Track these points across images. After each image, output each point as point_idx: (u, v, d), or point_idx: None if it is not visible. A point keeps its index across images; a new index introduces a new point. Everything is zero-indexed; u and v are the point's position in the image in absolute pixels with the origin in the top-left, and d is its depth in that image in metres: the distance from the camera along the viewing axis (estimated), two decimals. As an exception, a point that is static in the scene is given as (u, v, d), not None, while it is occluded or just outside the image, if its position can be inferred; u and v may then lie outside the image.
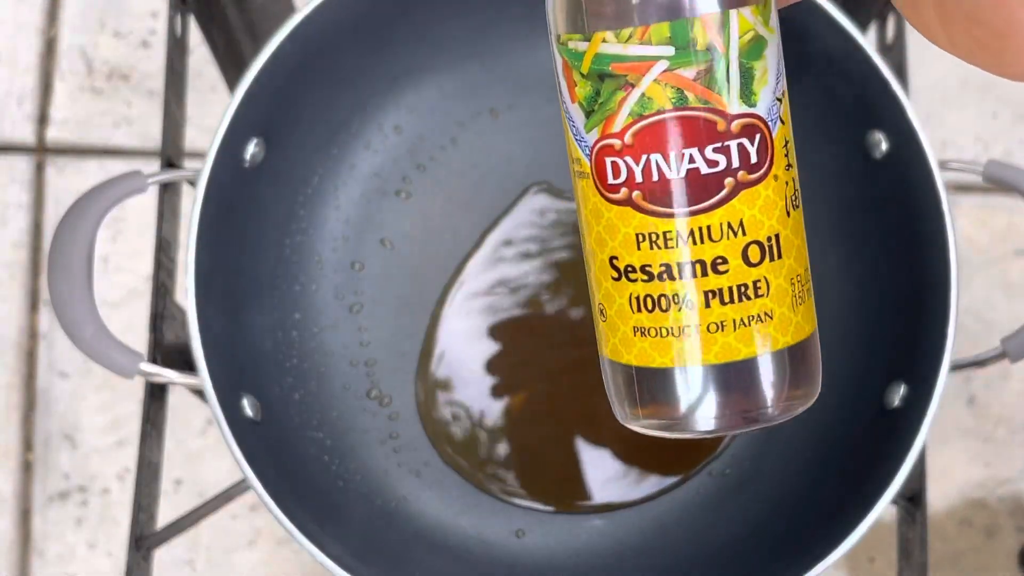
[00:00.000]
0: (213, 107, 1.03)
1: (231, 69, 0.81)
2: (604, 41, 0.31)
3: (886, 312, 0.66)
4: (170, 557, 1.00)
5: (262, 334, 0.69)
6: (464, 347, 0.71)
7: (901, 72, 0.70)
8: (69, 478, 1.06)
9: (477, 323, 0.71)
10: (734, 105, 0.31)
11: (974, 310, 1.04)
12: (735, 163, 0.32)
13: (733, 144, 0.31)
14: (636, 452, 0.70)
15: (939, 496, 1.02)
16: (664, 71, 0.31)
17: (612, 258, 0.33)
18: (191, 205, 0.62)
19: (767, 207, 0.32)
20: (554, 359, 0.70)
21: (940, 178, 0.61)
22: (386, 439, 0.70)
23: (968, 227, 1.07)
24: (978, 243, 1.07)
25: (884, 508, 0.59)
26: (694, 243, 0.32)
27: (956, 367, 0.62)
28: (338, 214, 0.71)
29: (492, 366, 0.70)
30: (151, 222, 0.69)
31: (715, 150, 0.31)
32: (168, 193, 0.68)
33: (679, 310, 0.32)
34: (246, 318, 0.68)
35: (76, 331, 0.62)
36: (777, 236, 0.32)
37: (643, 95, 0.31)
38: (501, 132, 0.72)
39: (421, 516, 0.69)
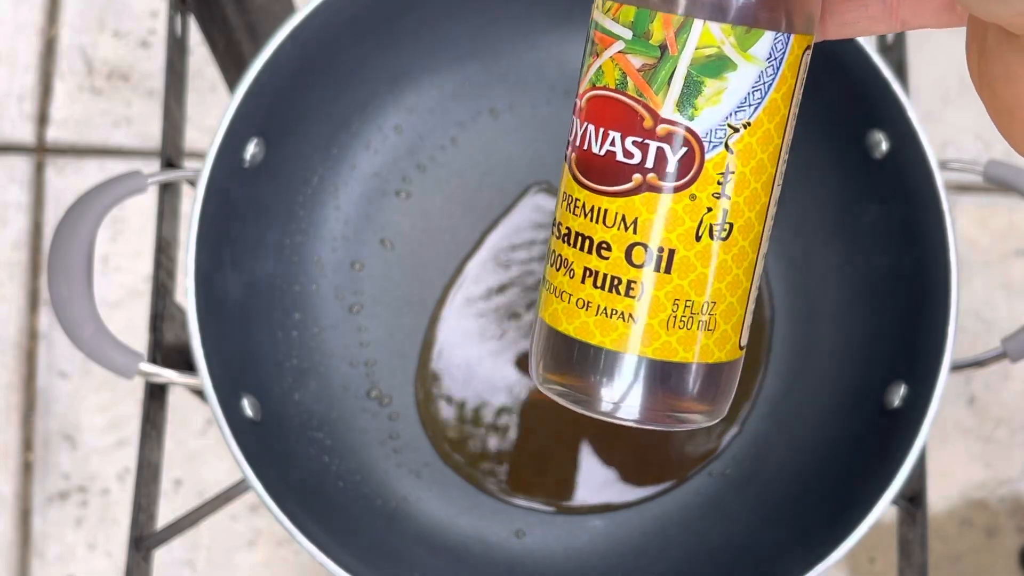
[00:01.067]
0: (213, 107, 1.03)
1: (231, 69, 0.81)
2: (596, 7, 0.32)
3: (886, 312, 0.66)
4: (170, 557, 1.00)
5: (262, 334, 0.68)
6: (464, 347, 0.71)
7: (901, 72, 0.70)
8: (69, 478, 1.06)
9: (477, 323, 0.71)
10: (667, 109, 0.31)
11: (974, 310, 1.04)
12: (649, 163, 0.32)
13: (652, 144, 0.32)
14: (636, 453, 0.70)
15: (939, 496, 1.02)
16: (618, 52, 0.32)
17: (556, 208, 0.35)
18: (191, 205, 0.62)
19: (670, 220, 0.32)
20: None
21: (940, 178, 0.61)
22: (386, 439, 0.70)
23: (968, 227, 1.07)
24: (978, 243, 1.07)
25: (884, 508, 0.59)
26: (590, 220, 0.33)
27: (956, 367, 0.62)
28: (338, 214, 0.71)
29: (492, 366, 0.70)
30: (151, 222, 0.69)
31: (634, 143, 0.32)
32: (168, 193, 0.68)
33: (563, 274, 0.33)
34: (246, 318, 0.67)
35: (76, 331, 0.62)
36: (671, 252, 0.32)
37: (600, 67, 0.32)
38: (501, 132, 0.72)
39: (421, 516, 0.69)
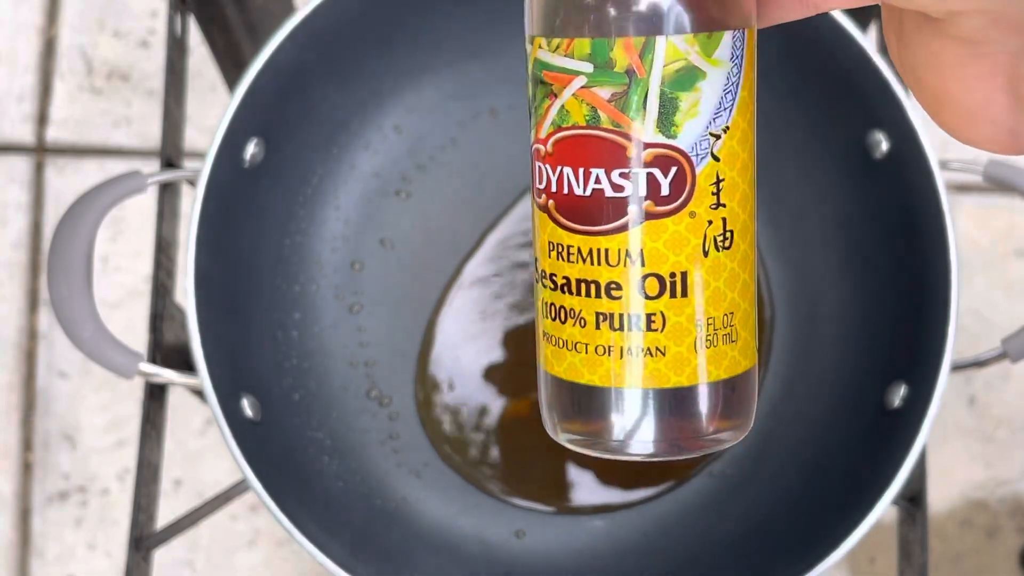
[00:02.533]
0: (213, 107, 1.03)
1: (231, 69, 0.81)
2: (540, 47, 0.31)
3: (886, 312, 0.66)
4: (170, 557, 1.00)
5: (262, 334, 0.68)
6: (464, 347, 0.70)
7: (901, 72, 0.70)
8: (69, 478, 1.06)
9: (477, 323, 0.71)
10: (648, 134, 0.30)
11: (974, 310, 1.04)
12: (641, 192, 0.30)
13: (641, 173, 0.30)
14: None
15: (939, 497, 1.02)
16: (581, 87, 0.30)
17: (535, 259, 0.33)
18: (191, 205, 0.62)
19: (675, 242, 0.31)
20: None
21: (940, 178, 0.61)
22: (386, 439, 0.70)
23: (968, 227, 1.07)
24: (978, 243, 1.07)
25: (884, 509, 0.59)
26: (591, 264, 0.31)
27: (956, 367, 0.62)
28: (338, 214, 0.71)
29: (492, 366, 0.70)
30: (151, 222, 0.69)
31: (621, 175, 0.30)
32: (168, 193, 0.68)
33: (572, 325, 0.32)
34: (246, 318, 0.67)
35: (75, 331, 0.62)
36: (684, 274, 0.31)
37: (563, 107, 0.31)
38: (501, 132, 0.72)
39: (421, 516, 0.69)
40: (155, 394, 0.66)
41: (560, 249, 0.32)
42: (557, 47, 0.30)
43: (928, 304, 0.63)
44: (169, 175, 0.66)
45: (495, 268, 0.71)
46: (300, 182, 0.70)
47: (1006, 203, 1.07)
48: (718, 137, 0.31)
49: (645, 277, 0.31)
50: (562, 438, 0.34)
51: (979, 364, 0.64)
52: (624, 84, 0.30)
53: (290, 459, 0.66)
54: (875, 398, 0.64)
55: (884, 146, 0.64)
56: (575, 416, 0.33)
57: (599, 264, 0.31)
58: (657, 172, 0.30)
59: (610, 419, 0.32)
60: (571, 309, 0.32)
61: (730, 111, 0.31)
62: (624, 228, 0.31)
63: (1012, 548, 1.02)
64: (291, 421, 0.68)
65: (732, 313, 0.32)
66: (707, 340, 0.32)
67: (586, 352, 0.32)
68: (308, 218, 0.71)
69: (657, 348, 0.31)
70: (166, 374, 0.63)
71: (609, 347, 0.32)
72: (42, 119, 1.12)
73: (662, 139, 0.30)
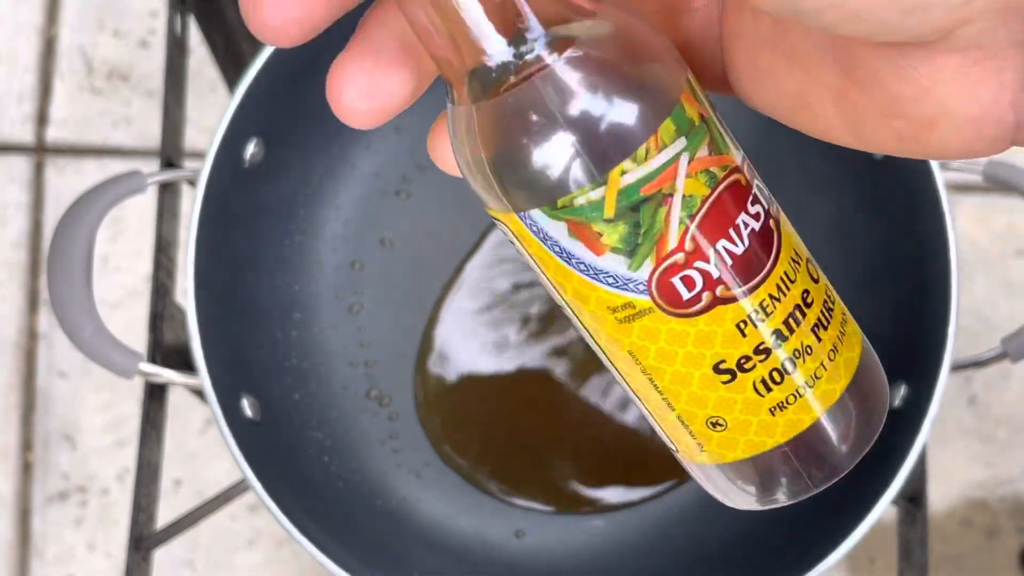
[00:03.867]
0: (213, 107, 1.03)
1: (231, 69, 0.81)
2: (624, 172, 0.29)
3: (886, 312, 0.66)
4: (169, 558, 1.00)
5: (262, 334, 0.68)
6: (463, 347, 0.70)
7: (901, 72, 0.70)
8: (68, 478, 1.06)
9: (477, 323, 0.71)
10: (736, 157, 0.30)
11: (974, 310, 1.04)
12: (766, 205, 0.31)
13: (755, 190, 0.31)
14: (636, 453, 0.70)
15: (940, 497, 1.02)
16: (688, 163, 0.29)
17: (718, 364, 0.31)
18: (191, 205, 0.62)
19: (792, 229, 0.32)
20: (554, 360, 0.70)
21: (940, 178, 0.61)
22: (386, 439, 0.70)
23: (968, 227, 1.07)
24: (978, 243, 1.07)
25: (885, 508, 0.59)
26: (784, 295, 0.31)
27: (957, 367, 0.62)
28: (338, 214, 0.71)
29: (492, 366, 0.70)
30: (151, 222, 0.69)
31: (752, 202, 0.30)
32: (167, 193, 0.68)
33: (800, 364, 0.32)
34: (246, 318, 0.67)
35: (75, 331, 0.62)
36: (806, 291, 0.32)
37: (684, 197, 0.30)
38: (501, 132, 0.72)
39: (421, 516, 0.69)
40: (155, 394, 0.66)
41: (753, 317, 0.31)
42: (647, 153, 0.29)
43: (928, 304, 0.63)
44: (169, 175, 0.66)
45: (495, 268, 0.71)
46: (300, 182, 0.70)
47: (1006, 203, 1.07)
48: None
49: (808, 265, 0.32)
50: (776, 503, 0.34)
51: (979, 364, 0.64)
52: (706, 132, 0.30)
53: (290, 459, 0.66)
54: (875, 398, 0.64)
55: (884, 146, 0.64)
56: (779, 477, 0.34)
57: (789, 290, 0.31)
58: (758, 182, 0.31)
59: (813, 456, 0.33)
60: (794, 352, 0.32)
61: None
62: (780, 242, 0.31)
63: (1012, 548, 1.02)
64: (291, 421, 0.68)
65: (828, 297, 0.33)
66: (841, 329, 0.33)
67: (809, 388, 0.32)
68: (308, 218, 0.71)
69: (822, 367, 0.32)
70: (166, 374, 0.63)
71: (785, 402, 0.32)
72: (42, 119, 1.12)
73: (741, 154, 0.31)
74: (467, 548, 0.69)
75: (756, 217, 0.31)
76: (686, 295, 0.30)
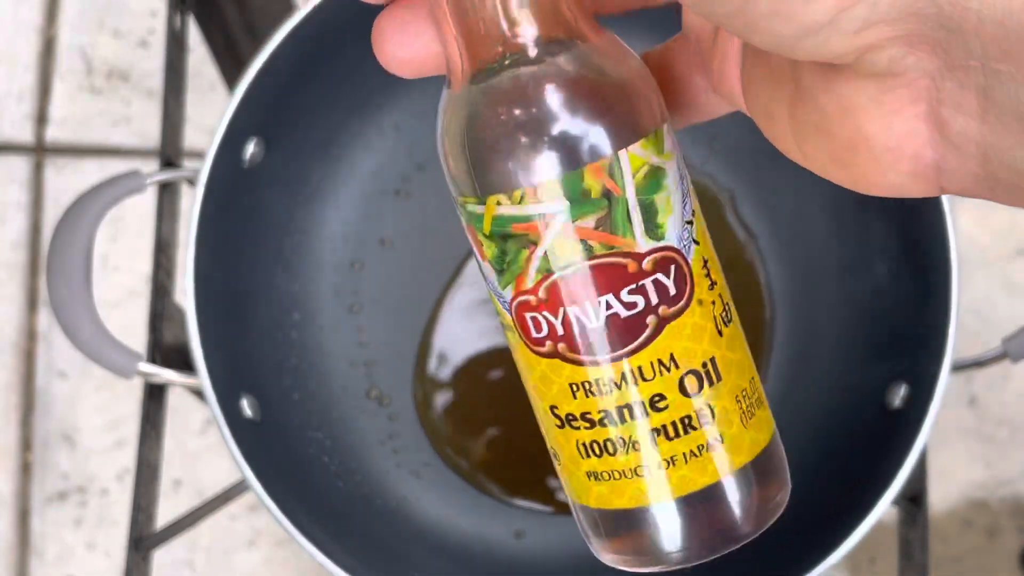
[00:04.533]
0: (213, 107, 1.03)
1: (231, 69, 0.81)
2: (499, 204, 0.30)
3: (886, 312, 0.66)
4: (169, 558, 1.00)
5: (262, 334, 0.68)
6: (463, 347, 0.70)
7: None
8: (68, 478, 1.06)
9: (476, 323, 0.71)
10: (641, 244, 0.30)
11: (975, 310, 1.04)
12: (654, 300, 0.30)
13: (648, 282, 0.30)
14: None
15: (940, 497, 1.02)
16: (563, 224, 0.30)
17: (552, 407, 0.32)
18: (190, 205, 0.62)
19: (696, 334, 0.31)
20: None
21: (941, 178, 0.61)
22: (386, 439, 0.70)
23: (968, 227, 1.07)
24: (979, 243, 1.07)
25: (885, 509, 0.59)
26: (628, 385, 0.31)
27: (957, 367, 0.62)
28: (338, 214, 0.71)
29: (492, 366, 0.70)
30: (150, 222, 0.69)
31: (630, 292, 0.30)
32: (167, 193, 0.68)
33: (627, 452, 0.31)
34: (246, 318, 0.67)
35: (75, 331, 0.62)
36: (713, 359, 0.31)
37: (547, 251, 0.30)
38: (501, 132, 0.72)
39: (421, 516, 0.69)
40: (155, 394, 0.66)
41: (588, 387, 0.31)
42: (522, 198, 0.30)
43: (928, 304, 0.62)
44: (169, 175, 0.66)
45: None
46: (300, 182, 0.70)
47: (1006, 203, 1.07)
48: (691, 223, 0.31)
49: (683, 377, 0.31)
50: (615, 560, 0.34)
51: (979, 364, 0.63)
52: (605, 207, 0.30)
53: (290, 459, 0.66)
54: (875, 398, 0.64)
55: (884, 146, 0.64)
56: (656, 536, 0.33)
57: (636, 383, 0.31)
58: (661, 276, 0.30)
59: (699, 525, 0.33)
60: (621, 438, 0.31)
61: (689, 194, 0.31)
62: (650, 340, 0.31)
63: (1012, 548, 1.02)
64: (291, 421, 0.68)
65: (753, 377, 0.33)
66: (748, 411, 0.32)
67: (650, 473, 0.32)
68: (308, 218, 0.71)
69: (716, 438, 0.32)
70: (166, 374, 0.63)
71: (672, 457, 0.31)
72: (41, 119, 1.12)
73: (654, 244, 0.30)
74: (467, 548, 0.68)
75: (629, 306, 0.30)
76: (533, 334, 0.31)
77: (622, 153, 0.30)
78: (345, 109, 0.71)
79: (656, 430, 0.31)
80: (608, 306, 0.30)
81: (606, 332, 0.30)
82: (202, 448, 1.05)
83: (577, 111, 0.29)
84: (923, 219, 0.63)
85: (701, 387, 0.31)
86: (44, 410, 1.07)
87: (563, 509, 0.69)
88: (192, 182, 0.63)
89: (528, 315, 0.31)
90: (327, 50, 0.66)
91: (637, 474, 0.32)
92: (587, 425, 0.32)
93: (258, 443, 0.62)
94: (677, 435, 0.31)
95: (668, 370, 0.31)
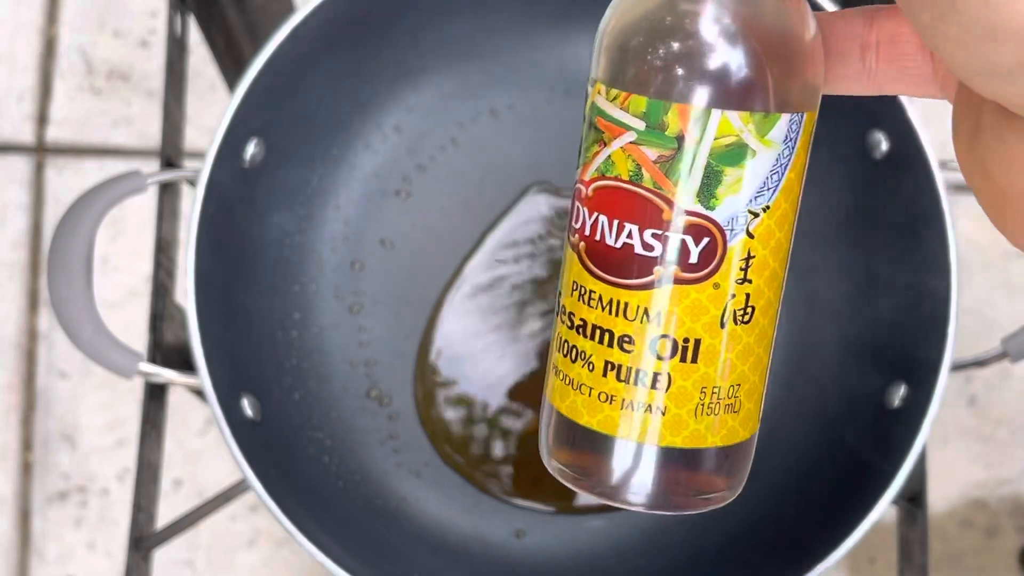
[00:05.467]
0: (213, 107, 1.03)
1: (231, 69, 0.81)
2: (599, 93, 0.31)
3: (886, 312, 0.66)
4: (169, 558, 1.00)
5: (262, 334, 0.68)
6: (463, 347, 0.70)
7: (901, 72, 0.70)
8: (68, 478, 1.06)
9: (477, 323, 0.71)
10: (687, 201, 0.30)
11: (975, 310, 1.04)
12: (670, 256, 0.31)
13: (674, 237, 0.31)
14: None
15: (940, 497, 1.02)
16: (630, 142, 0.30)
17: (559, 291, 0.33)
18: (191, 205, 0.62)
19: (694, 309, 0.31)
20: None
21: (940, 178, 0.61)
22: (386, 439, 0.70)
23: (968, 227, 1.06)
24: (979, 243, 1.07)
25: (884, 508, 0.59)
26: (609, 313, 0.32)
27: (957, 367, 0.62)
28: (338, 214, 0.71)
29: (491, 366, 0.70)
30: (151, 222, 0.69)
31: (653, 236, 0.31)
32: (167, 193, 0.68)
33: (581, 366, 0.32)
34: (246, 318, 0.67)
35: (75, 331, 0.62)
36: (698, 342, 0.31)
37: (609, 157, 0.31)
38: (501, 132, 0.72)
39: (421, 516, 0.69)
40: (155, 394, 0.66)
41: (583, 292, 0.32)
42: (615, 98, 0.30)
43: (928, 304, 0.63)
44: (169, 175, 0.66)
45: (495, 268, 0.71)
46: (300, 182, 0.70)
47: (1006, 203, 1.07)
48: (756, 215, 0.31)
49: (659, 337, 0.31)
50: (552, 466, 0.35)
51: (979, 364, 0.64)
52: (672, 148, 0.30)
53: (290, 459, 0.66)
54: (875, 398, 0.64)
55: (884, 146, 0.64)
56: (570, 453, 0.34)
57: (617, 315, 0.31)
58: (689, 239, 0.31)
59: (601, 464, 0.33)
60: (583, 351, 0.32)
61: (774, 191, 0.31)
62: (647, 287, 0.31)
63: (1012, 548, 1.02)
64: (291, 421, 0.68)
65: (739, 385, 0.33)
66: (709, 408, 0.32)
67: (589, 395, 0.32)
68: (308, 218, 0.71)
69: (657, 407, 0.32)
70: (166, 374, 0.63)
71: (612, 396, 0.32)
72: (42, 119, 1.12)
73: (700, 209, 0.30)
74: (467, 548, 0.69)
75: (646, 247, 0.31)
76: (573, 222, 0.33)
77: (715, 112, 0.30)
78: (345, 109, 0.71)
79: (611, 364, 0.32)
80: (629, 235, 0.31)
81: (616, 256, 0.31)
82: (202, 448, 1.05)
83: (694, 52, 0.30)
84: (923, 219, 0.63)
85: (671, 356, 0.32)
86: (45, 410, 1.07)
87: (563, 509, 0.69)
88: (192, 182, 0.63)
89: (576, 203, 0.32)
90: (327, 50, 0.66)
91: (579, 391, 0.33)
92: (568, 325, 0.33)
93: (258, 443, 0.62)
94: (626, 381, 0.32)
95: (648, 322, 0.31)
